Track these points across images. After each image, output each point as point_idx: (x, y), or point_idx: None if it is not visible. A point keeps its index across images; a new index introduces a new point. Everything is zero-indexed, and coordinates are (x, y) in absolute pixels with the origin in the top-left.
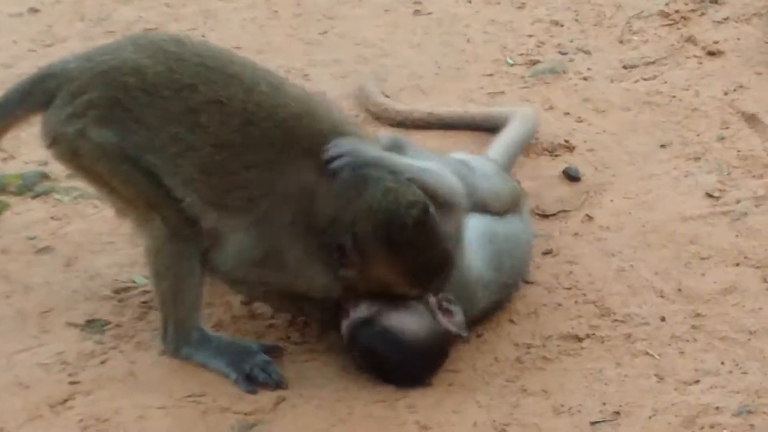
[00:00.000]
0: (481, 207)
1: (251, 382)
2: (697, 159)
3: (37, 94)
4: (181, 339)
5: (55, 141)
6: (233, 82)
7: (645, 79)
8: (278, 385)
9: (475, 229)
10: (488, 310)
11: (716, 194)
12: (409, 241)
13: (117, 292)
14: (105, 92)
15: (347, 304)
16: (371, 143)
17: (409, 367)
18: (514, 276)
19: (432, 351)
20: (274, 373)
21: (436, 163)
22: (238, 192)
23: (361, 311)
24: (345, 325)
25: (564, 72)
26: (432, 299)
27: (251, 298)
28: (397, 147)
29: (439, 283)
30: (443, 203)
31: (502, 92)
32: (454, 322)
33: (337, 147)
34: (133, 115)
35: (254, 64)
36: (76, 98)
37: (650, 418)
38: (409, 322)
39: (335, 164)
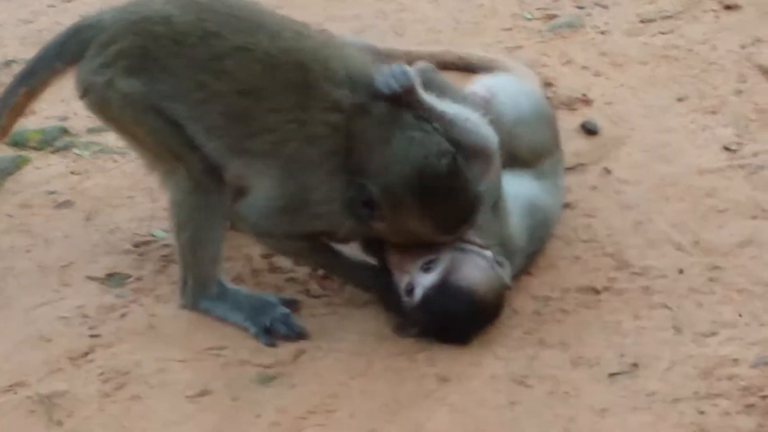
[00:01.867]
0: (510, 156)
1: (270, 336)
2: (714, 112)
3: (72, 46)
4: (200, 292)
5: (86, 92)
6: (259, 30)
7: (662, 33)
8: (299, 336)
9: (518, 198)
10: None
11: (733, 147)
12: (437, 190)
13: (137, 246)
14: (134, 42)
15: (401, 267)
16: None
17: (479, 322)
18: (540, 245)
19: (498, 303)
20: (294, 326)
21: (469, 107)
22: (263, 136)
23: (428, 277)
24: (417, 292)
25: (581, 26)
26: (489, 253)
27: (280, 252)
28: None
29: (468, 227)
30: (478, 152)
31: (520, 47)
32: (507, 274)
33: (389, 72)
34: (161, 63)
35: (281, 15)
36: (106, 48)
37: (668, 369)
38: (477, 278)
39: (380, 82)
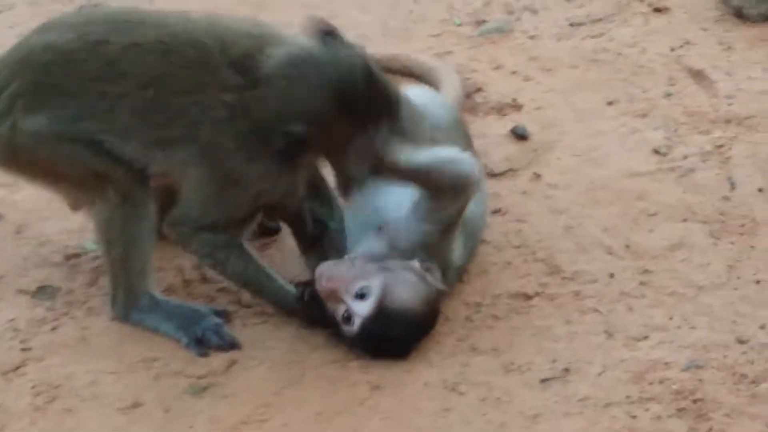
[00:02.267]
0: None
1: (203, 346)
2: (644, 116)
3: None
4: (131, 304)
5: None
6: (142, 26)
7: (592, 37)
8: (232, 346)
9: None
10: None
11: (663, 150)
12: (359, 98)
13: (68, 258)
14: (26, 79)
15: (334, 297)
16: None
17: (420, 337)
18: (469, 258)
19: (434, 313)
20: (226, 335)
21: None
22: (175, 122)
23: (364, 305)
24: (355, 321)
25: (511, 31)
26: (416, 264)
27: (212, 265)
28: None
29: (394, 114)
30: (459, 188)
31: (450, 52)
32: (437, 279)
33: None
34: (58, 90)
35: (160, 10)
36: (1, 95)
37: (600, 374)
38: (412, 297)
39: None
